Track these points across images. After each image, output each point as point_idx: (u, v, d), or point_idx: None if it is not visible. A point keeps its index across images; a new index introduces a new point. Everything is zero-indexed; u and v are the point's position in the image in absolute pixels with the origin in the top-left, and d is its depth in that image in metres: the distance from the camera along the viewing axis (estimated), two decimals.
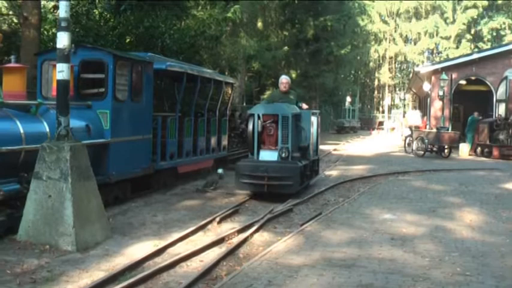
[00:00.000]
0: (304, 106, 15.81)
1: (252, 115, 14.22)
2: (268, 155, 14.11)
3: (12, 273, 7.57)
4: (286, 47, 42.92)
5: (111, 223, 10.31)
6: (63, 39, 9.25)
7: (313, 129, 15.74)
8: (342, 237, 9.57)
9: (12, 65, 10.99)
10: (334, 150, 33.09)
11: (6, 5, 29.07)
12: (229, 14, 29.50)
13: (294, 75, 47.58)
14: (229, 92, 22.58)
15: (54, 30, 21.91)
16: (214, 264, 8.00)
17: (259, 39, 37.40)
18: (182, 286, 6.98)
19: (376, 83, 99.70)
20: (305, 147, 14.92)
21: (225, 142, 20.17)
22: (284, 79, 15.68)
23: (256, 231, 10.29)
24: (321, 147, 21.83)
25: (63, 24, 9.27)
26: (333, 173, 20.60)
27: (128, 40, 23.14)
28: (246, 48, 33.73)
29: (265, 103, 15.75)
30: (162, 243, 9.06)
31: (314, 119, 15.91)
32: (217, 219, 11.11)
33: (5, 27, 25.50)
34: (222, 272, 7.79)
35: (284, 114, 13.97)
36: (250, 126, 14.17)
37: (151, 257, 8.37)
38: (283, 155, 13.82)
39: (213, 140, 18.83)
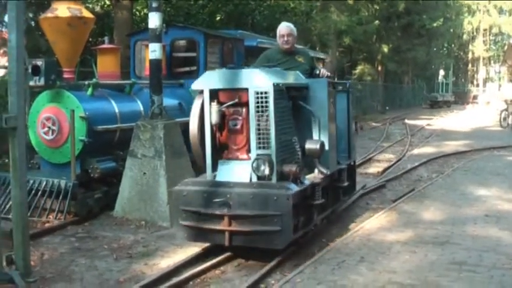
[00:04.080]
0: (323, 72, 9.15)
1: (199, 93, 7.50)
2: (232, 172, 7.31)
3: (109, 248, 7.82)
4: (377, 21, 42.22)
5: None
6: (154, 20, 9.39)
7: (342, 114, 9.27)
8: (435, 214, 9.40)
9: (106, 46, 11.21)
10: (427, 125, 32.47)
11: None
12: None
13: (385, 49, 46.93)
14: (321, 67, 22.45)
15: (145, 10, 22.28)
16: (307, 241, 8.03)
17: (349, 13, 36.96)
18: (275, 261, 7.07)
19: (470, 55, 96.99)
20: (315, 150, 7.67)
21: None
22: (284, 29, 8.79)
23: (349, 207, 10.24)
24: (414, 122, 21.22)
25: (154, 4, 9.40)
26: (426, 148, 20.23)
27: (218, 18, 23.35)
28: (337, 23, 33.38)
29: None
30: None
31: (341, 97, 9.35)
32: None
33: (97, 9, 26.03)
34: (315, 248, 7.79)
35: (258, 88, 7.04)
36: (193, 117, 7.53)
37: None
38: (261, 170, 7.00)
39: None
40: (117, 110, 9.96)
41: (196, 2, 23.32)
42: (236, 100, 7.22)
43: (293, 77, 8.10)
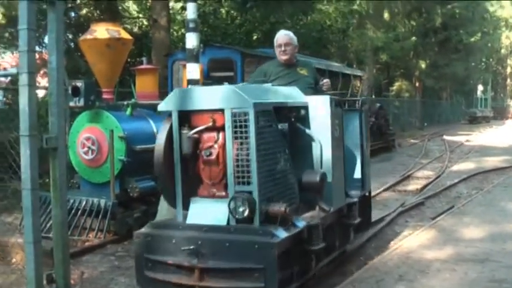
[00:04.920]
0: (325, 82, 7.92)
1: (168, 116, 6.23)
2: (206, 212, 5.97)
3: None
4: (414, 37, 42.12)
5: None
6: (191, 40, 9.47)
7: (353, 137, 8.06)
8: (474, 231, 9.26)
9: (144, 66, 11.34)
10: (467, 141, 32.09)
11: (136, 8, 30.04)
12: (355, 6, 29.36)
13: (423, 65, 46.70)
14: (358, 84, 22.46)
15: (182, 30, 22.50)
16: (344, 259, 8.00)
17: (386, 30, 36.96)
18: (313, 281, 7.01)
19: (508, 70, 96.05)
20: (314, 183, 6.42)
21: None
22: (282, 37, 7.68)
23: (387, 224, 10.15)
24: (453, 138, 20.87)
25: (191, 25, 9.49)
26: (466, 164, 20.03)
27: (255, 37, 23.47)
28: (373, 40, 33.43)
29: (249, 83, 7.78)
30: None
31: (352, 117, 8.14)
32: None
33: (135, 29, 26.37)
34: (353, 266, 7.75)
35: (236, 108, 5.69)
36: (159, 145, 6.21)
37: None
38: (239, 212, 5.64)
39: None
40: (155, 130, 10.04)
41: (233, 22, 23.52)
42: (210, 124, 5.84)
43: (286, 95, 6.80)
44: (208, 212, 5.89)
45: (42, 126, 10.54)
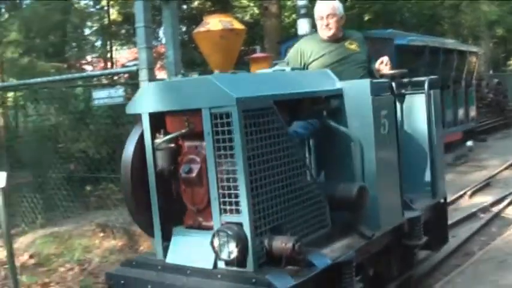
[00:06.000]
0: (384, 70, 5.84)
1: (138, 120, 4.57)
2: (190, 249, 4.29)
3: None
4: None
5: None
6: (304, 25, 9.56)
7: (417, 129, 6.12)
8: None
9: (258, 55, 11.45)
10: None
11: None
12: None
13: None
14: (474, 61, 21.90)
15: (293, 16, 22.59)
16: (466, 240, 7.90)
17: (500, 3, 35.81)
18: (435, 261, 6.97)
19: None
20: (348, 200, 4.59)
21: (473, 113, 19.65)
22: (323, 8, 5.89)
23: (509, 204, 9.89)
24: None
25: (302, 11, 9.59)
26: None
27: (366, 18, 23.29)
28: (487, 14, 32.45)
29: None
30: None
31: (415, 104, 6.11)
32: (469, 193, 10.83)
33: (247, 17, 26.63)
34: (475, 247, 7.64)
35: (215, 108, 3.94)
36: (126, 157, 4.53)
37: None
38: (225, 252, 3.91)
39: (461, 112, 18.35)
40: None
41: (344, 4, 23.45)
42: (186, 129, 4.22)
43: (307, 81, 5.08)
44: (193, 248, 4.25)
45: None
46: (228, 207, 3.97)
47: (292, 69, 5.31)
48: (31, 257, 8.26)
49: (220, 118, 3.91)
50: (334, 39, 5.86)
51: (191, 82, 4.42)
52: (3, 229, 6.23)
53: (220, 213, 4.01)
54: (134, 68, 6.21)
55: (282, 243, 3.88)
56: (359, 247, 4.54)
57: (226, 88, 3.91)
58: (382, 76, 5.76)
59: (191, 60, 17.64)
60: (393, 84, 5.37)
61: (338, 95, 4.93)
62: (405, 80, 6.00)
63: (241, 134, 3.83)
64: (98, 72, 13.25)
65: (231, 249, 3.84)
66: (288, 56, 6.23)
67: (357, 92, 4.90)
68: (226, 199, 3.97)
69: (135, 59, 14.65)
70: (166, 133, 4.30)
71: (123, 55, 27.44)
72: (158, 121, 4.36)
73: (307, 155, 5.18)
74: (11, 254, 6.16)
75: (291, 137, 4.34)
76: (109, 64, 22.22)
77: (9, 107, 12.40)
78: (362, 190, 4.59)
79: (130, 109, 4.55)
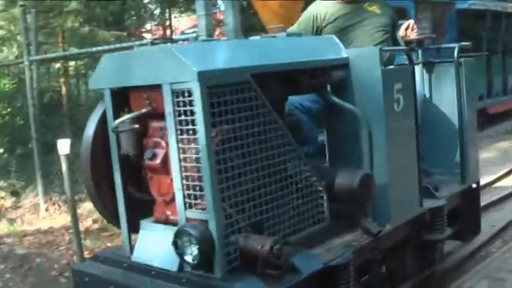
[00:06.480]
0: (411, 35, 5.06)
1: (101, 97, 3.96)
2: (156, 247, 3.63)
3: None
4: None
5: None
6: None
7: (445, 105, 5.27)
8: None
9: None
10: None
11: None
12: None
13: None
14: None
15: None
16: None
17: None
18: (496, 229, 6.87)
19: None
20: (348, 190, 3.78)
21: None
22: None
23: None
24: None
25: None
26: None
27: None
28: None
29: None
30: None
31: (442, 76, 5.28)
32: None
33: None
34: None
35: (177, 82, 3.22)
36: (87, 133, 3.98)
37: None
38: (187, 255, 3.24)
39: None
40: None
41: None
42: (148, 109, 3.59)
43: (308, 49, 4.21)
44: (159, 245, 3.61)
45: None
46: (193, 201, 3.33)
47: (288, 34, 4.39)
48: (94, 222, 8.47)
49: (182, 96, 3.23)
50: (352, 0, 5.06)
51: (152, 53, 3.64)
52: (68, 195, 6.45)
53: (185, 208, 3.36)
54: (193, 35, 6.22)
55: (257, 245, 3.19)
56: (360, 246, 3.85)
57: (188, 60, 3.20)
58: (407, 43, 5.05)
59: (250, 26, 17.57)
60: (418, 51, 4.88)
61: (343, 64, 4.11)
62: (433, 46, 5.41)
63: (205, 115, 3.14)
64: (158, 41, 13.32)
65: (194, 252, 3.20)
66: (298, 20, 5.31)
67: (365, 61, 4.07)
68: (191, 191, 3.31)
69: (194, 26, 14.67)
70: (130, 112, 3.67)
71: (182, 23, 27.41)
72: (124, 98, 3.73)
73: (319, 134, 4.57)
74: (75, 219, 6.35)
75: (275, 118, 3.54)
76: (168, 32, 22.24)
77: (71, 76, 12.54)
78: (366, 178, 3.83)
79: (92, 84, 3.97)
